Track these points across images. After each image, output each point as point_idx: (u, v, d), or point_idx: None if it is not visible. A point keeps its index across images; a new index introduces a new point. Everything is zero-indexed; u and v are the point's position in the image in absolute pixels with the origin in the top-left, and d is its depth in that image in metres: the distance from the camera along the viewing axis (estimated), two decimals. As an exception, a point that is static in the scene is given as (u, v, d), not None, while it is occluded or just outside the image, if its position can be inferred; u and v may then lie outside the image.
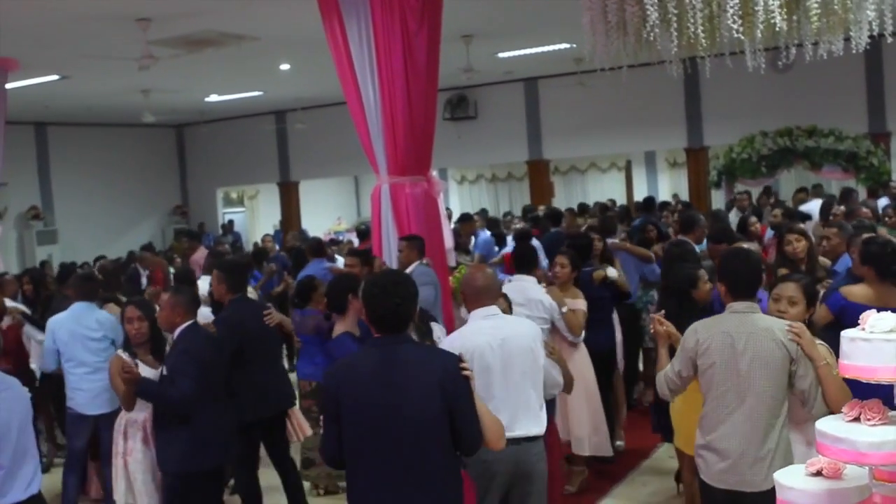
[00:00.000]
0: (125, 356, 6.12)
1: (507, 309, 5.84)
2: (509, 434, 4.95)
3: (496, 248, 13.39)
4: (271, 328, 7.06)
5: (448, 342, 5.36)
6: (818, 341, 4.64)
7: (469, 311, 5.44)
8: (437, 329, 6.63)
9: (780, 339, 4.56)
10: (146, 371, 6.07)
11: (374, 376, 4.14)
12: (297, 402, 7.67)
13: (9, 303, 9.04)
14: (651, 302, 9.71)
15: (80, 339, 7.41)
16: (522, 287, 7.29)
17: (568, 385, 5.84)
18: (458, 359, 4.21)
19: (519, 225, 14.47)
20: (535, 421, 5.22)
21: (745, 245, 7.12)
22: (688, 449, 6.09)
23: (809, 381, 4.52)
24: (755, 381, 4.55)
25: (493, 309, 5.35)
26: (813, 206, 13.25)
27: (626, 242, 10.27)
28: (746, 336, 4.60)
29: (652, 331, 5.39)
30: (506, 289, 6.80)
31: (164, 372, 6.05)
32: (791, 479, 3.19)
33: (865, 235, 6.69)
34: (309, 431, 7.43)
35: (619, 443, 8.50)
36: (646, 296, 9.93)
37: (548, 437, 5.48)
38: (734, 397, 4.60)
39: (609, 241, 9.87)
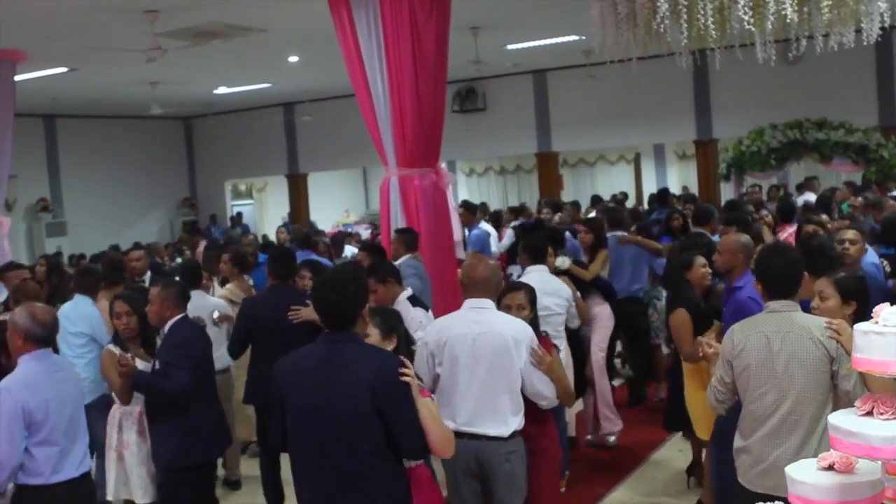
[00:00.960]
0: (117, 350, 6.11)
1: (528, 303, 5.68)
2: (469, 429, 5.08)
3: (492, 248, 13.02)
4: (294, 323, 6.90)
5: (430, 327, 5.50)
6: None
7: (464, 299, 5.42)
8: (424, 317, 6.64)
9: (818, 336, 4.37)
10: (139, 365, 6.07)
11: (311, 372, 4.17)
12: None
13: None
14: (659, 298, 9.68)
15: (62, 331, 7.36)
16: (542, 277, 7.25)
17: (565, 398, 5.52)
18: (399, 362, 4.15)
19: (517, 221, 14.43)
20: (499, 422, 5.12)
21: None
22: (708, 436, 6.11)
23: (853, 381, 4.26)
24: (794, 381, 4.39)
25: (485, 302, 5.30)
26: (806, 200, 13.31)
27: (636, 236, 10.22)
28: (783, 336, 4.43)
29: (700, 354, 5.21)
30: (527, 279, 6.83)
31: (157, 366, 6.04)
32: (802, 473, 3.16)
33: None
34: None
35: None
36: (654, 290, 9.90)
37: (543, 441, 5.43)
38: (773, 399, 4.43)
39: (619, 234, 9.85)
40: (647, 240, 10.04)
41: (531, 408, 5.26)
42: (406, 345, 4.61)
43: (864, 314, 4.35)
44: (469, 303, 5.33)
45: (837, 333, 4.34)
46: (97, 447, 6.36)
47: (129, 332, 6.26)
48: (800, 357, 4.39)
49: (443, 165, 8.92)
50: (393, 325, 4.61)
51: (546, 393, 5.24)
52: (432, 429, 4.12)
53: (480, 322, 5.20)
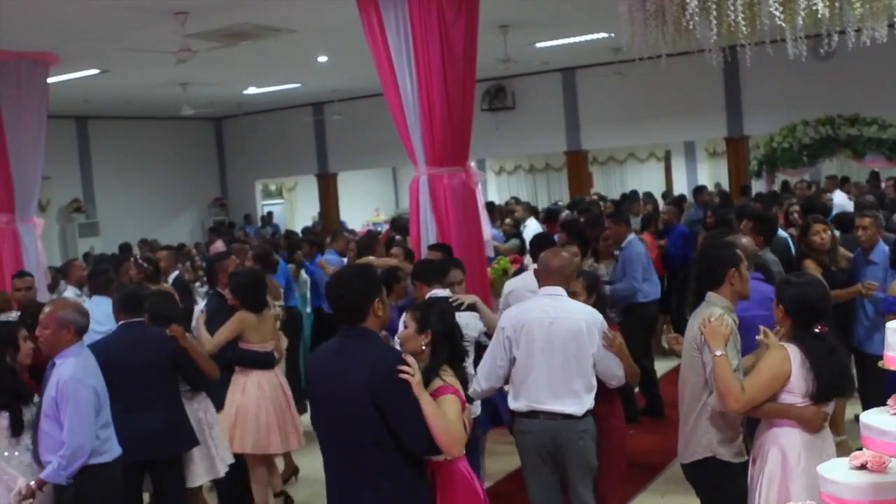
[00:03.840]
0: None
1: (584, 290, 6.10)
2: (545, 407, 5.54)
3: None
4: None
5: (506, 313, 5.91)
6: (783, 342, 4.68)
7: (539, 287, 5.84)
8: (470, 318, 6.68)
9: (696, 326, 4.91)
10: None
11: (325, 363, 4.40)
12: None
13: (70, 292, 9.18)
14: None
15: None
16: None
17: (632, 376, 5.89)
18: (399, 359, 4.20)
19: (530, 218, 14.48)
20: (574, 401, 5.52)
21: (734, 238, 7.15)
22: None
23: (709, 370, 4.81)
24: (684, 363, 5.11)
25: (558, 290, 5.72)
26: (837, 199, 13.24)
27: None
28: (693, 319, 5.04)
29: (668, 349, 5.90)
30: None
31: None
32: (835, 472, 3.14)
33: None
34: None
35: None
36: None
37: (611, 420, 5.90)
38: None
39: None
40: None
41: (599, 388, 5.65)
42: (446, 341, 4.56)
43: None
44: (544, 290, 5.77)
45: (704, 327, 4.83)
46: None
47: None
48: (688, 340, 5.01)
49: (472, 164, 8.89)
50: (430, 320, 4.59)
51: (617, 373, 5.67)
52: (436, 426, 4.13)
53: (555, 308, 5.63)
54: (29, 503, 5.17)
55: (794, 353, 4.59)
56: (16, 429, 5.41)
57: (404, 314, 4.81)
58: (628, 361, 5.76)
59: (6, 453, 5.37)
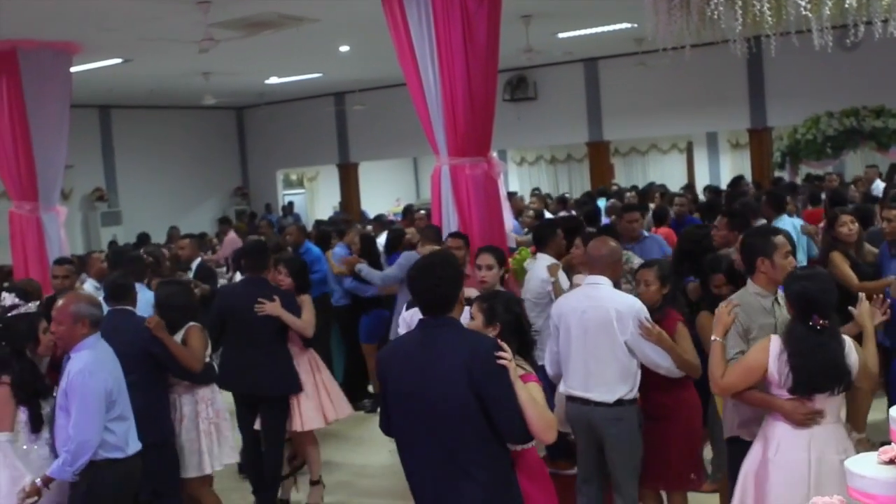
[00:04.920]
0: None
1: (655, 279, 5.99)
2: (579, 394, 5.74)
3: None
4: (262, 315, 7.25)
5: (556, 301, 6.24)
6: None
7: (588, 276, 6.02)
8: None
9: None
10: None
11: (409, 358, 4.24)
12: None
13: (88, 285, 9.17)
14: None
15: None
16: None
17: (685, 369, 5.74)
18: (494, 345, 4.13)
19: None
20: (604, 389, 5.62)
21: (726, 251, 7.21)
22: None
23: None
24: None
25: (600, 279, 5.81)
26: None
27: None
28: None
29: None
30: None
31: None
32: (863, 467, 3.11)
33: None
34: (315, 425, 7.58)
35: None
36: None
37: (673, 409, 5.81)
38: None
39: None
40: None
41: (657, 377, 5.71)
42: (514, 332, 4.52)
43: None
44: (587, 279, 5.96)
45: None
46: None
47: None
48: None
49: (494, 154, 8.87)
50: (497, 312, 4.55)
51: (660, 362, 5.64)
52: (532, 413, 4.07)
53: (591, 297, 5.77)
54: (33, 501, 5.11)
55: (774, 344, 4.65)
56: (35, 424, 5.38)
57: (470, 306, 4.78)
58: (674, 352, 5.65)
59: (25, 447, 5.34)
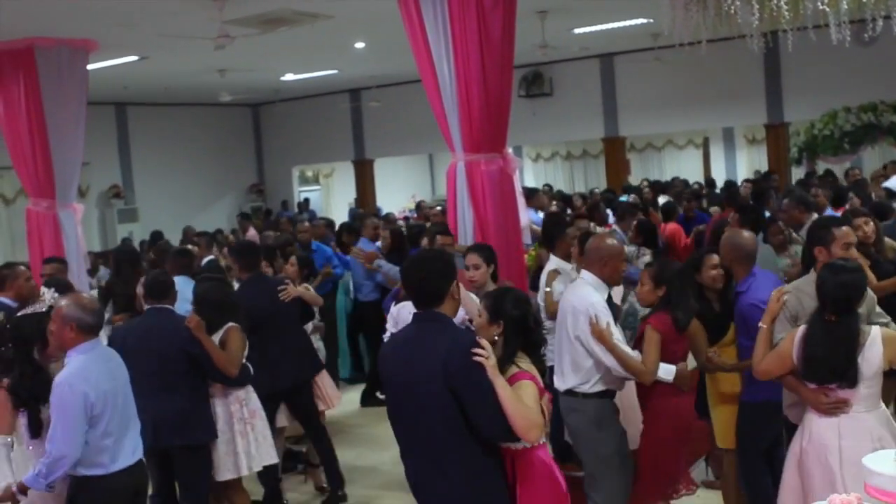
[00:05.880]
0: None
1: (650, 280, 5.99)
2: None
3: None
4: (285, 304, 7.35)
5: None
6: None
7: None
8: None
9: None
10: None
11: (399, 351, 4.35)
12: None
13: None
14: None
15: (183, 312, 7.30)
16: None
17: (634, 373, 5.64)
18: (473, 342, 4.11)
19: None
20: (560, 377, 5.88)
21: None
22: (728, 445, 6.12)
23: None
24: None
25: (585, 274, 5.94)
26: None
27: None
28: None
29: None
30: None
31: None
32: (881, 464, 3.09)
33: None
34: (337, 402, 7.89)
35: None
36: None
37: (653, 401, 5.86)
38: None
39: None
40: None
41: (644, 386, 5.81)
42: (519, 331, 4.47)
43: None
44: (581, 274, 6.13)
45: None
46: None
47: None
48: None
49: (509, 150, 8.85)
50: (501, 309, 4.51)
51: (604, 360, 5.64)
52: (513, 411, 4.01)
53: (569, 290, 6.07)
54: None
55: (799, 333, 4.79)
56: (34, 429, 5.19)
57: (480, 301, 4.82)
58: (614, 352, 5.56)
59: (28, 450, 5.22)
